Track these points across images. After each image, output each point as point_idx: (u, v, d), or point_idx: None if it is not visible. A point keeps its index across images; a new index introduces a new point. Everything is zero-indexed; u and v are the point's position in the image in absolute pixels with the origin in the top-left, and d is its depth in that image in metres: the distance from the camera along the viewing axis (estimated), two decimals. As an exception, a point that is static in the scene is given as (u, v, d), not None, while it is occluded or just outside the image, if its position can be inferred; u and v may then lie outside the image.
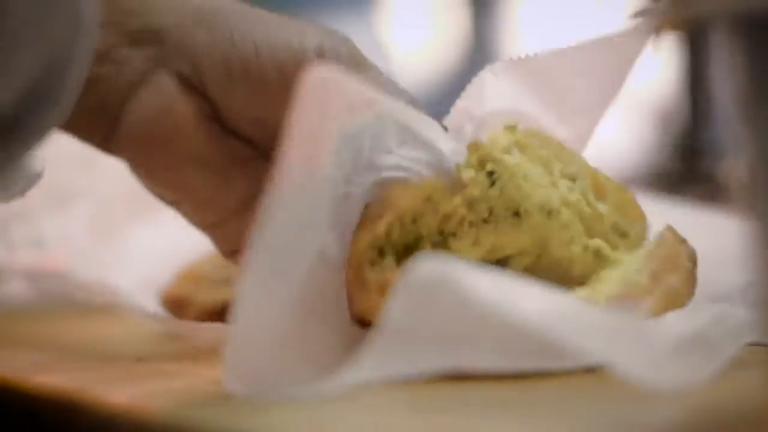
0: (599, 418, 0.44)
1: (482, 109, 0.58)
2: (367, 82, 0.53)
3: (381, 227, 0.53)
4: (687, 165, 1.71)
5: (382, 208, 0.54)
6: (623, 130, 2.25)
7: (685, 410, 0.43)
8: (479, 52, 2.77)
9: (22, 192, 0.55)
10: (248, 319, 0.48)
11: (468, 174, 0.55)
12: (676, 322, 0.50)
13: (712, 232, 0.63)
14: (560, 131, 0.59)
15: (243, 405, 0.47)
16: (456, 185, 0.55)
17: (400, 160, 0.55)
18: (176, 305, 0.71)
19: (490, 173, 0.55)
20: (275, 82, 0.55)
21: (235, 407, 0.47)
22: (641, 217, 0.59)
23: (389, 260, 0.53)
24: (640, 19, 0.57)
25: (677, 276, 0.55)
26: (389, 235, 0.53)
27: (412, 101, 0.58)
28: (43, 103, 0.48)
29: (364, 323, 0.53)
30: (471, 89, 0.59)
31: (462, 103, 0.59)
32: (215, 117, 0.57)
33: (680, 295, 0.54)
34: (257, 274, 0.47)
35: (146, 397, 0.51)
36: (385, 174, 0.55)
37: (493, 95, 0.59)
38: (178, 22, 0.56)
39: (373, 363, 0.46)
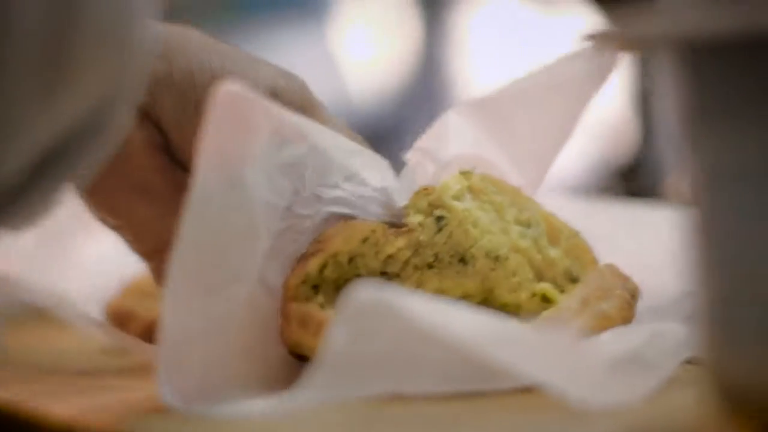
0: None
1: (446, 152, 0.59)
2: (318, 122, 0.54)
3: (312, 266, 0.53)
4: (632, 183, 1.72)
5: (316, 246, 0.54)
6: (570, 148, 2.26)
7: (620, 429, 0.44)
8: (429, 66, 2.78)
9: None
10: (174, 334, 0.48)
11: (416, 219, 0.56)
12: (613, 341, 0.50)
13: (655, 240, 0.63)
14: (514, 177, 0.60)
15: (183, 421, 0.47)
16: (401, 228, 0.56)
17: (347, 195, 0.55)
18: (120, 318, 0.71)
19: (439, 219, 0.56)
20: None
21: (175, 423, 0.47)
22: (593, 262, 0.59)
23: (320, 298, 0.53)
24: (585, 46, 0.58)
25: (609, 303, 0.55)
26: (323, 273, 0.53)
27: (362, 142, 0.58)
28: (91, 134, 0.48)
29: (292, 353, 0.53)
30: (435, 129, 0.60)
31: (425, 143, 0.59)
32: (165, 148, 0.57)
33: (611, 320, 0.55)
34: (176, 291, 0.48)
35: (86, 411, 0.51)
36: (333, 209, 0.55)
37: (456, 138, 0.59)
38: None
39: (314, 388, 0.47)
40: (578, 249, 0.59)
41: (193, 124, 0.56)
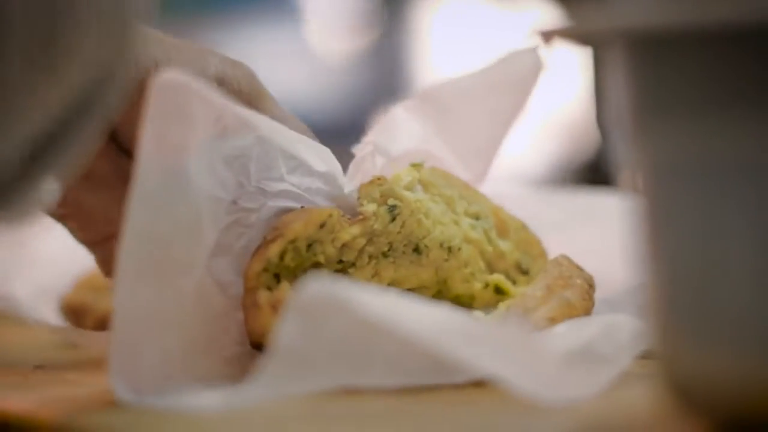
0: (488, 429, 0.44)
1: (394, 146, 0.59)
2: (264, 113, 0.54)
3: (273, 251, 0.53)
4: (593, 177, 1.73)
5: (275, 233, 0.54)
6: (528, 142, 2.27)
7: (573, 424, 0.44)
8: (389, 61, 2.79)
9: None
10: (124, 326, 0.48)
11: (370, 207, 0.56)
12: (567, 335, 0.50)
13: (607, 229, 0.64)
14: (460, 171, 0.60)
15: (137, 414, 0.47)
16: (355, 217, 0.56)
17: (292, 188, 0.55)
18: (75, 312, 0.71)
19: (392, 208, 0.56)
20: None
21: (129, 416, 0.47)
22: (542, 255, 0.60)
23: (285, 284, 0.53)
24: (535, 42, 0.59)
25: (571, 292, 0.55)
26: (283, 260, 0.53)
27: (308, 132, 0.58)
28: (83, 117, 0.48)
29: (260, 346, 0.53)
30: (383, 124, 0.60)
31: (373, 137, 0.59)
32: (111, 135, 0.57)
33: (575, 308, 0.55)
34: (125, 283, 0.48)
35: (42, 405, 0.50)
36: (279, 203, 0.55)
37: (404, 133, 0.60)
38: None
39: (266, 382, 0.47)
40: (527, 242, 0.59)
41: (137, 112, 0.56)
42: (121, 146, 0.57)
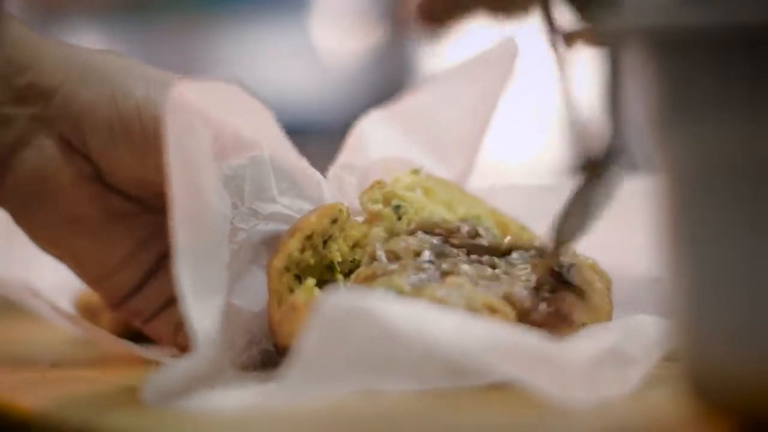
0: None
1: (365, 160, 0.59)
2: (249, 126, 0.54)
3: (292, 246, 0.53)
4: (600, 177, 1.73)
5: (288, 233, 0.54)
6: (538, 142, 2.27)
7: (598, 425, 0.44)
8: (394, 61, 2.79)
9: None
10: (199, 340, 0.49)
11: (376, 207, 0.56)
12: (592, 337, 0.50)
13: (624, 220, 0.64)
14: (442, 172, 0.61)
15: (156, 413, 0.47)
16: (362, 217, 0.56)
17: (283, 209, 0.56)
18: (89, 311, 0.71)
19: (397, 207, 0.56)
20: (155, 140, 0.55)
21: (144, 415, 0.47)
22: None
23: (309, 282, 0.53)
24: (506, 39, 0.59)
25: (597, 296, 0.55)
26: (303, 258, 0.54)
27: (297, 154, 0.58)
28: None
29: (286, 349, 0.52)
30: (350, 143, 0.60)
31: (343, 159, 0.60)
32: (97, 176, 0.57)
33: (601, 312, 0.55)
34: (190, 299, 0.48)
35: (59, 403, 0.51)
36: (270, 226, 0.55)
37: (373, 145, 0.60)
38: (64, 79, 0.56)
39: (291, 385, 0.47)
40: (529, 241, 0.59)
41: (123, 153, 0.56)
42: (108, 186, 0.58)
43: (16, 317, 0.74)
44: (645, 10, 0.38)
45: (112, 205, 0.58)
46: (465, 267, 0.54)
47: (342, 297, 0.47)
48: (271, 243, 0.55)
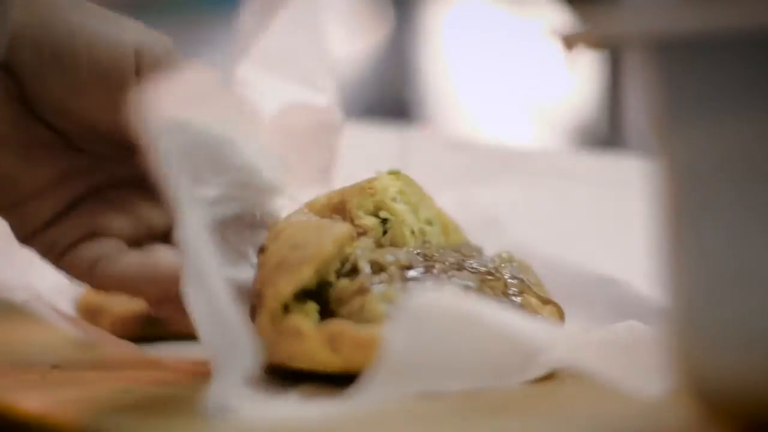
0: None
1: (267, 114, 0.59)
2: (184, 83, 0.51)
3: (306, 274, 0.52)
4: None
5: (300, 251, 0.53)
6: (538, 143, 2.27)
7: (600, 430, 0.44)
8: (399, 64, 2.79)
9: None
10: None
11: (368, 221, 0.55)
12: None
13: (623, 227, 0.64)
14: (322, 100, 0.61)
15: (160, 414, 0.47)
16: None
17: (222, 191, 0.54)
18: (91, 313, 0.71)
19: (384, 221, 0.56)
20: (87, 73, 0.54)
21: (145, 417, 0.47)
22: (474, 256, 0.60)
23: (311, 306, 0.52)
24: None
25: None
26: (309, 282, 0.52)
27: (243, 103, 0.56)
28: None
29: (277, 369, 0.52)
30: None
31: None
32: (23, 99, 0.56)
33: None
34: (204, 285, 0.47)
35: (60, 405, 0.51)
36: (218, 211, 0.53)
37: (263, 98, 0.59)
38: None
39: (374, 388, 0.46)
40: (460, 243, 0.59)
41: (50, 79, 0.55)
42: (32, 112, 0.56)
43: (16, 319, 0.74)
44: (646, 13, 0.38)
45: (35, 132, 0.56)
46: (459, 274, 0.54)
47: (426, 295, 0.47)
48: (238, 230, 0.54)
